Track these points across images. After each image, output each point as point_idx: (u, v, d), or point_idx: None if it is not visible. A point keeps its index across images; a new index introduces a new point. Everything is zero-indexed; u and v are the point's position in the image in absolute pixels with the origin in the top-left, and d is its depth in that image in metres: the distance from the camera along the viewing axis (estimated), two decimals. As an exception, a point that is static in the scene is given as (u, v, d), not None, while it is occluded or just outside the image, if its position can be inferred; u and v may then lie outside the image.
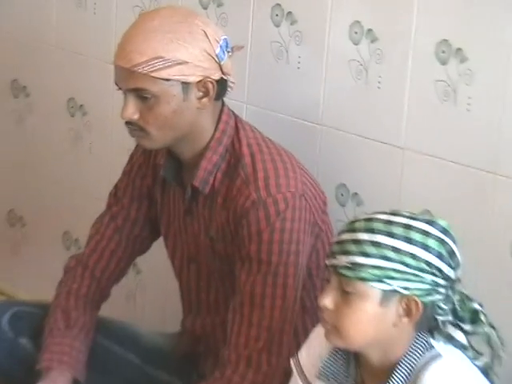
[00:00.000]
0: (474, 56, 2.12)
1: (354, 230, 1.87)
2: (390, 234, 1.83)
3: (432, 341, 1.91)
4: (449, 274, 1.84)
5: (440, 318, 1.90)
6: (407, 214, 1.88)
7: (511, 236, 2.22)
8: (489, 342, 1.93)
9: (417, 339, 1.89)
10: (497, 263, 2.27)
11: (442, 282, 1.85)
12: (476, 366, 1.90)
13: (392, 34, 2.29)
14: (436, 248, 1.83)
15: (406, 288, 1.82)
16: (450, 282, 1.87)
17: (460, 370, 1.88)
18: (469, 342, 1.94)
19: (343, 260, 1.84)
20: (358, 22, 2.33)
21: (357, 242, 1.84)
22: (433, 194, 2.36)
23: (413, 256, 1.83)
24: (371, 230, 1.85)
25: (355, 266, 1.82)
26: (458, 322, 1.93)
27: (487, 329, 1.92)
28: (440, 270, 1.84)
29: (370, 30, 2.31)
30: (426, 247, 1.83)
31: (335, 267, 1.85)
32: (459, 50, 2.15)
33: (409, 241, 1.83)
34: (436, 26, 2.20)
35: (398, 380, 1.88)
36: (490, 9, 2.08)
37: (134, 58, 2.16)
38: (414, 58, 2.25)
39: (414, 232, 1.84)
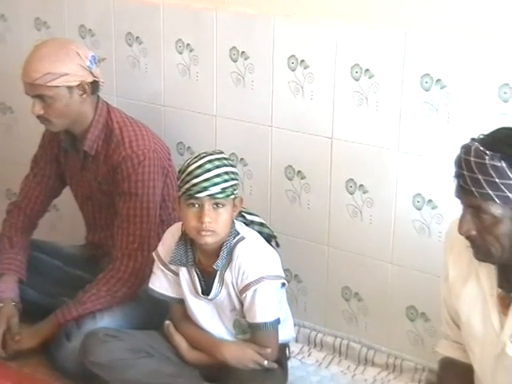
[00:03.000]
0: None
1: (200, 175, 2.25)
2: (218, 166, 2.27)
3: (238, 228, 2.38)
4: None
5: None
6: (213, 152, 2.32)
7: (286, 164, 2.75)
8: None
9: (230, 231, 2.34)
10: (275, 178, 2.83)
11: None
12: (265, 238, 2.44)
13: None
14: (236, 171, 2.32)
15: (237, 192, 2.34)
16: None
17: (254, 243, 2.41)
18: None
19: (216, 190, 2.25)
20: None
21: (206, 180, 2.25)
22: (239, 143, 2.86)
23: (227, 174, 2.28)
24: (209, 170, 2.26)
25: (224, 189, 2.26)
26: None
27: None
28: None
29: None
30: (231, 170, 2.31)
31: (211, 195, 2.25)
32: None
33: (222, 168, 2.28)
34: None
35: (223, 256, 2.35)
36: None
37: (33, 75, 2.57)
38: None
39: (222, 162, 2.29)
